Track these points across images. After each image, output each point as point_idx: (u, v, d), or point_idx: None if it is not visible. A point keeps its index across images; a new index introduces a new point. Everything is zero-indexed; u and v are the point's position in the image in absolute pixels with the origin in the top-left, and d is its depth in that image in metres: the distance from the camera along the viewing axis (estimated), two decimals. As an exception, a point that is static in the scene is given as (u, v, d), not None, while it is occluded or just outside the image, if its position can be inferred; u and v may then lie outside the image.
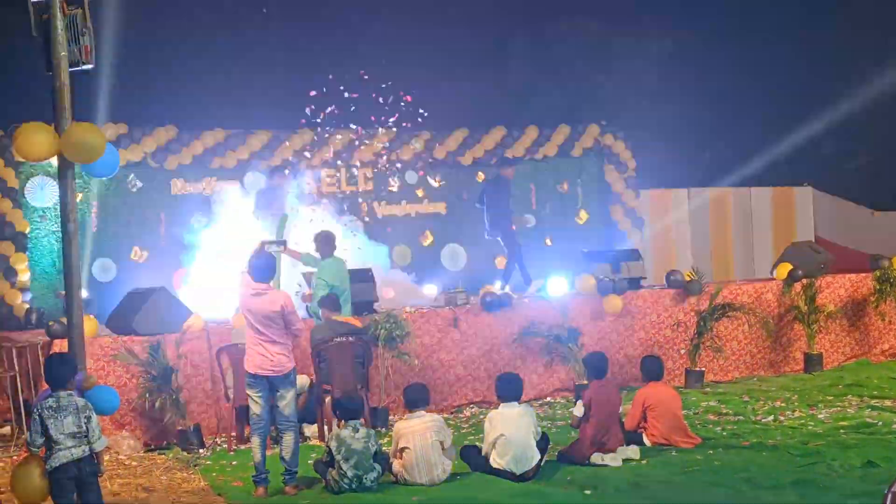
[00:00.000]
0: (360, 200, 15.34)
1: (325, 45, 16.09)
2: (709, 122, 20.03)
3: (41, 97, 7.91)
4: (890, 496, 2.78)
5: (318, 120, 14.77)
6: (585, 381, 9.87)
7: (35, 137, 7.23)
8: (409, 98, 14.98)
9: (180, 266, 13.75)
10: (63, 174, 7.48)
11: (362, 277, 11.86)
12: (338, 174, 15.30)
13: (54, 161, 7.53)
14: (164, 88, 14.78)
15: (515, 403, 8.50)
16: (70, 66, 7.39)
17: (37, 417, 6.66)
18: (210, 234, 13.78)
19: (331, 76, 14.62)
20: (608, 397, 8.89)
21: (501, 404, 8.55)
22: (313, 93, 14.63)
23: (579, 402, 8.86)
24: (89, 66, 7.51)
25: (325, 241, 11.32)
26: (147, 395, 10.12)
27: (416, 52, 16.09)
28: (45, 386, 6.96)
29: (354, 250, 13.92)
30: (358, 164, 15.34)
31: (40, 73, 7.60)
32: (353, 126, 15.16)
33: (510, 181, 14.13)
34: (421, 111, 15.16)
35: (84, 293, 7.60)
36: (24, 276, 13.20)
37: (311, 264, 11.53)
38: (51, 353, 9.64)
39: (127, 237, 14.02)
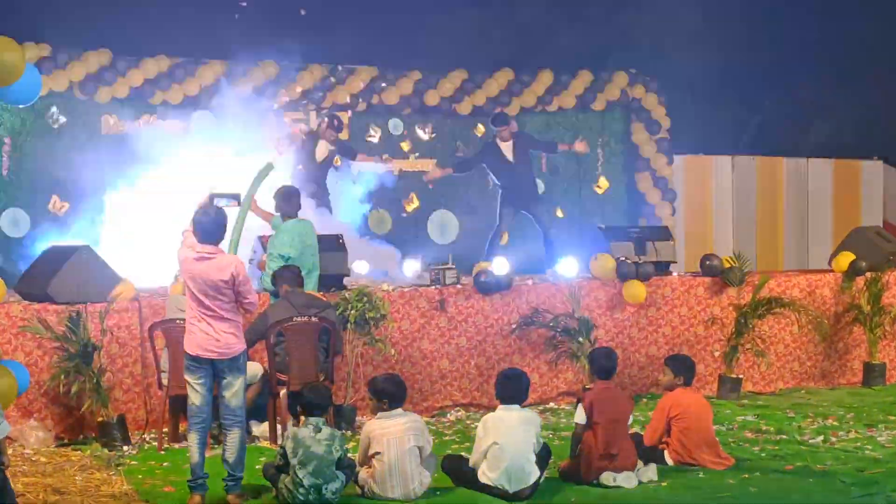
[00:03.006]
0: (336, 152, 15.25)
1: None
2: (762, 76, 19.95)
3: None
4: None
5: None
6: (591, 385, 9.86)
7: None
8: None
9: (107, 221, 13.67)
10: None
11: (332, 246, 11.81)
12: (305, 118, 15.21)
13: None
14: (98, 4, 14.63)
15: (517, 407, 8.49)
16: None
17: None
18: (148, 183, 13.69)
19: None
20: (615, 402, 8.88)
21: (500, 406, 8.53)
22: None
23: (580, 407, 8.86)
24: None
25: (285, 199, 11.20)
26: (62, 378, 10.04)
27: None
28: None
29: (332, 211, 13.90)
30: (331, 106, 15.25)
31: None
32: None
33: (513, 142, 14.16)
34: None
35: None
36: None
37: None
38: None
39: (45, 184, 13.91)
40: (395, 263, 14.00)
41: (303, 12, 15.84)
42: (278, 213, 11.26)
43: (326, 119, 14.14)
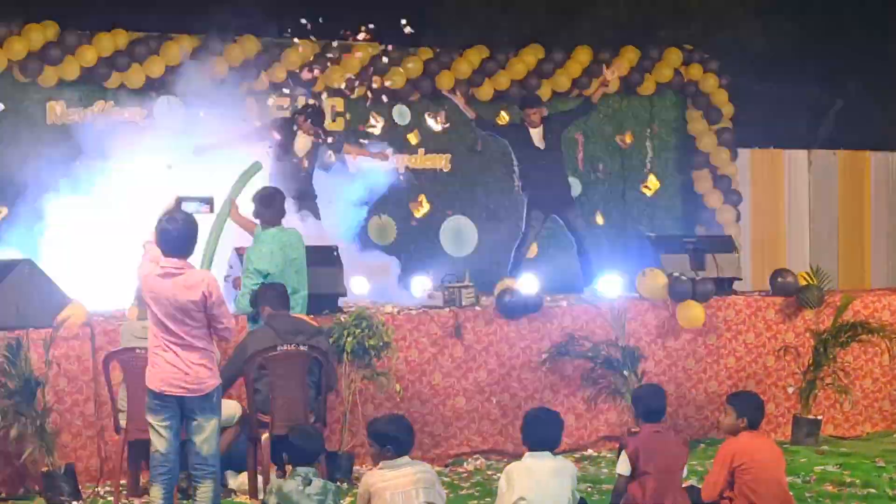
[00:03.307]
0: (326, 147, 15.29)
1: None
2: (844, 53, 19.94)
3: None
4: None
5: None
6: (636, 429, 9.87)
7: None
8: None
9: (51, 230, 13.73)
10: None
11: (324, 260, 11.83)
12: (293, 104, 15.23)
13: None
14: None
15: (549, 454, 8.48)
16: None
17: None
18: (102, 183, 13.73)
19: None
20: (666, 448, 8.88)
21: (528, 454, 8.53)
22: None
23: (623, 454, 8.87)
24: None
25: (265, 203, 11.20)
26: (-1, 419, 10.12)
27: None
28: None
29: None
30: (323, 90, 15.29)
31: None
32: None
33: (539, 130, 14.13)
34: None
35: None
36: None
37: None
38: None
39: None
40: (401, 281, 14.03)
41: None
42: (258, 221, 11.25)
43: (303, 109, 14.06)
